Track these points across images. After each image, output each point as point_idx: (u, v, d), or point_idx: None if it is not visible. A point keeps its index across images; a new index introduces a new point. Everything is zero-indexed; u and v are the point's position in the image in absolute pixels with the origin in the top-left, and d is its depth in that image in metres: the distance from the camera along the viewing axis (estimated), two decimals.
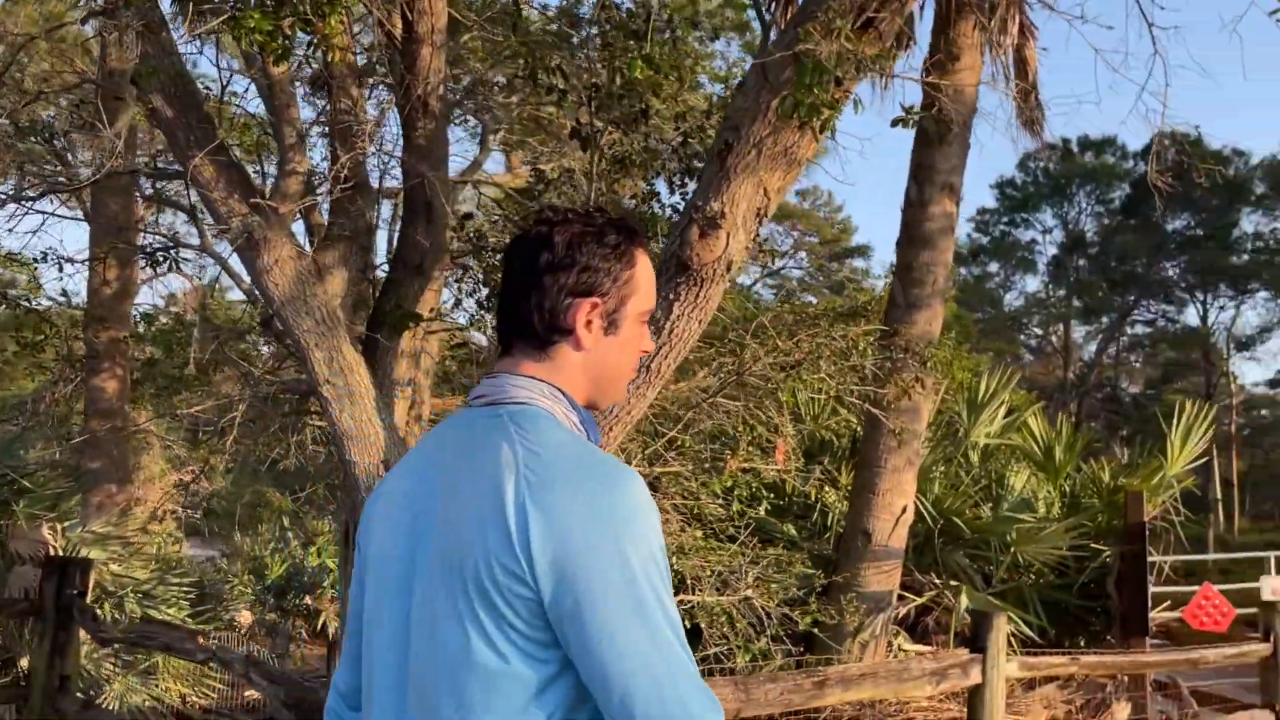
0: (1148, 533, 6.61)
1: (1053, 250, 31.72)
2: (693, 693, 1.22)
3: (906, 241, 6.63)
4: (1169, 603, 10.22)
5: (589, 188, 4.50)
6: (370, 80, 5.72)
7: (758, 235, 3.89)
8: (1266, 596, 12.28)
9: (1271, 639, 6.56)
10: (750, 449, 5.03)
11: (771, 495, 7.26)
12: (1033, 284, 32.84)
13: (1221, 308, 35.17)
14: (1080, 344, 37.84)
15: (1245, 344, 38.13)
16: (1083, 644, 6.95)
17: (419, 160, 4.66)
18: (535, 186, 6.31)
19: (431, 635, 1.28)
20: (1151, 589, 12.24)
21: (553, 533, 1.21)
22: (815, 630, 5.38)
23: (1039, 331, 32.05)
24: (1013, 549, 6.32)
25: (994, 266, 32.76)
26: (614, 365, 1.46)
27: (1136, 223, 30.73)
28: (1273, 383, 47.60)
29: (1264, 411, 48.78)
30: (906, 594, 6.65)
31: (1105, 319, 32.43)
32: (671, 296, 3.76)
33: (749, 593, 4.75)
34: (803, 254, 39.76)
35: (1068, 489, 7.36)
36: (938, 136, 6.47)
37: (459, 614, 1.25)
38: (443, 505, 1.32)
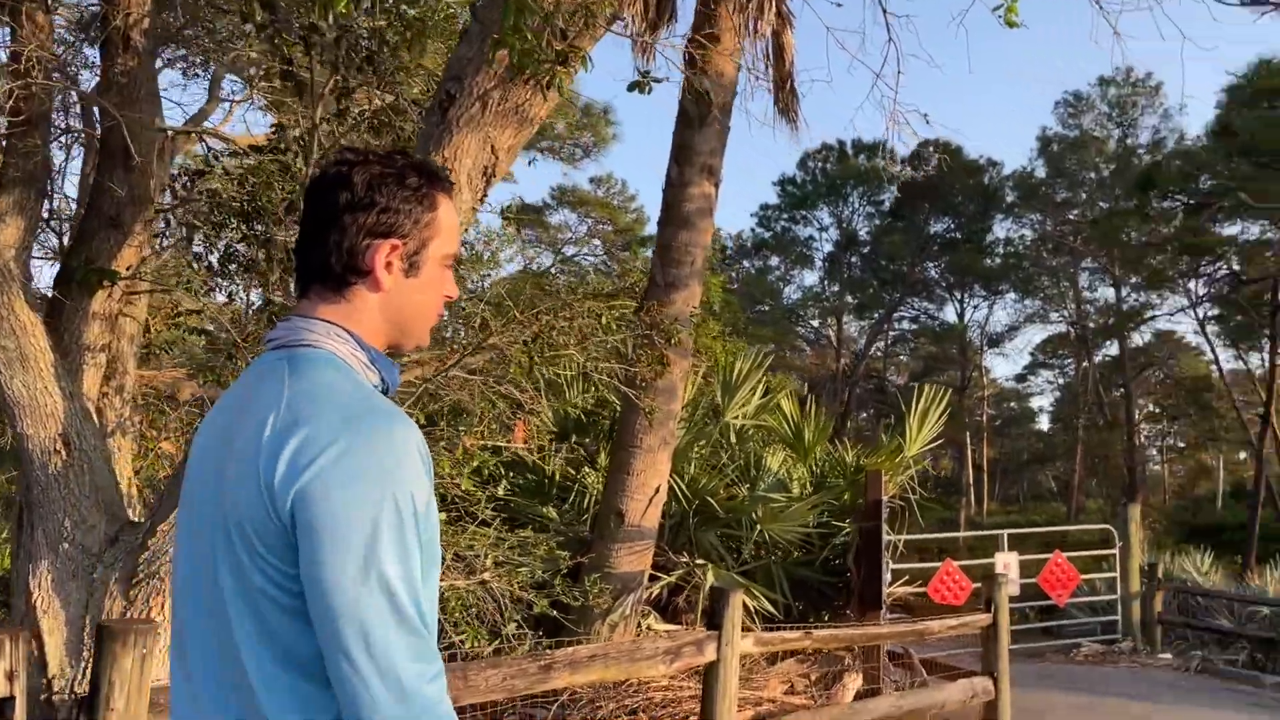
0: (885, 511, 6.88)
1: (829, 247, 33.56)
2: (403, 649, 1.20)
3: (666, 221, 6.61)
4: (906, 577, 10.85)
5: (312, 142, 4.14)
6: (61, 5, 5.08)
7: (485, 197, 3.68)
8: (999, 570, 13.34)
9: (992, 610, 7.01)
10: (491, 426, 4.83)
11: (531, 476, 7.09)
12: (810, 278, 34.71)
13: (975, 307, 38.21)
14: (856, 337, 40.09)
15: (996, 341, 41.52)
16: (826, 618, 7.17)
17: (118, 101, 4.15)
18: (277, 144, 5.84)
19: (214, 581, 1.28)
20: (892, 566, 12.94)
21: (298, 472, 1.21)
22: (555, 613, 5.23)
23: (815, 324, 33.79)
24: (759, 527, 6.42)
25: (775, 260, 34.26)
26: (415, 307, 1.45)
27: (903, 224, 32.86)
28: (1020, 378, 52.18)
29: (1013, 404, 53.40)
30: (661, 574, 6.65)
31: (875, 314, 34.56)
32: None
33: (486, 576, 4.54)
34: (597, 241, 40.03)
35: (817, 469, 7.61)
36: (698, 118, 6.48)
37: (229, 559, 1.26)
38: (218, 452, 1.33)
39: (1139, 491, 30.46)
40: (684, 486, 6.65)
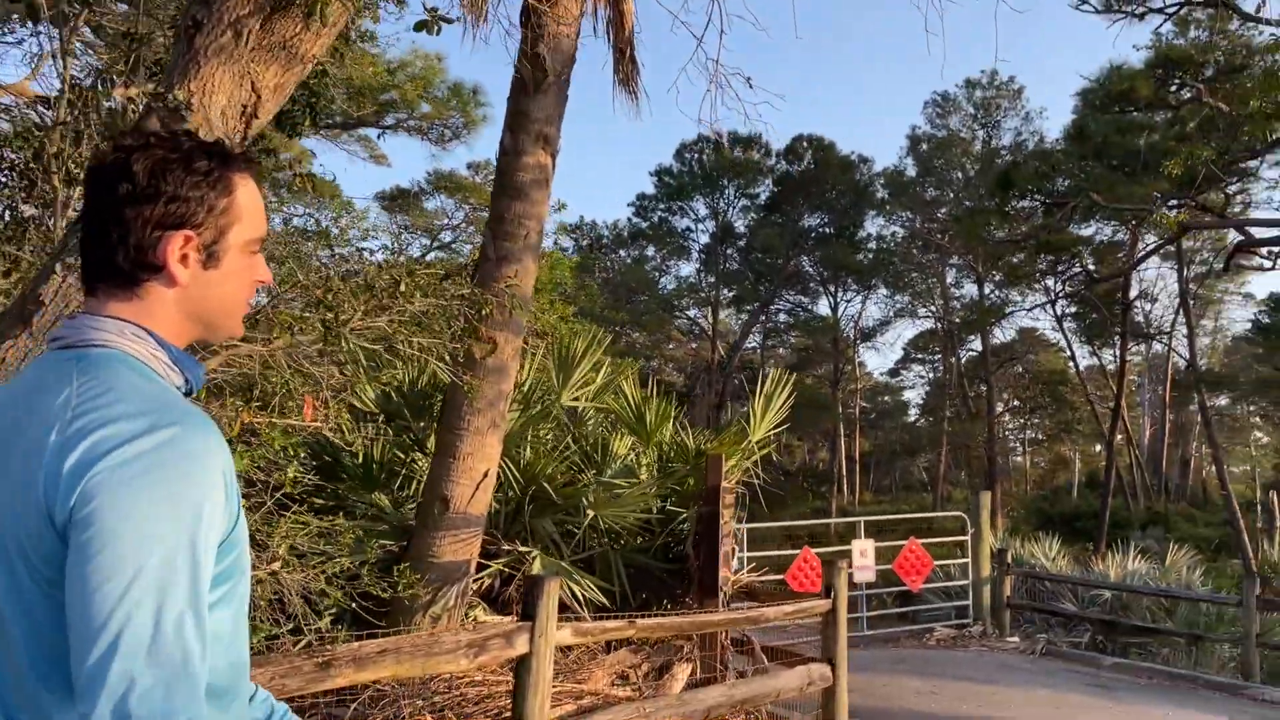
0: (732, 496, 6.72)
1: (705, 239, 33.61)
2: (153, 689, 1.07)
3: (499, 192, 6.28)
4: (764, 566, 10.82)
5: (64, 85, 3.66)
6: None
7: (248, 139, 3.28)
8: (856, 560, 13.48)
9: (832, 596, 6.93)
10: (288, 403, 4.43)
11: (353, 461, 6.68)
12: (687, 269, 34.77)
13: (849, 301, 39.04)
14: (736, 329, 40.42)
15: (868, 335, 42.53)
16: (668, 606, 6.97)
17: None
18: (65, 95, 5.28)
19: None
20: (745, 553, 12.90)
21: (82, 474, 1.10)
22: (353, 606, 4.87)
23: (691, 315, 33.88)
24: (593, 514, 6.17)
25: (651, 251, 34.15)
26: (220, 300, 1.35)
27: (779, 218, 33.25)
28: (893, 372, 53.67)
29: (886, 398, 54.87)
30: (491, 563, 6.32)
31: (751, 307, 34.89)
32: None
33: (275, 566, 4.15)
34: (471, 228, 39.25)
35: (661, 455, 7.41)
36: (533, 83, 6.16)
37: (7, 583, 1.16)
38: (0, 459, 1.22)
39: (998, 481, 31.61)
40: (515, 471, 6.34)
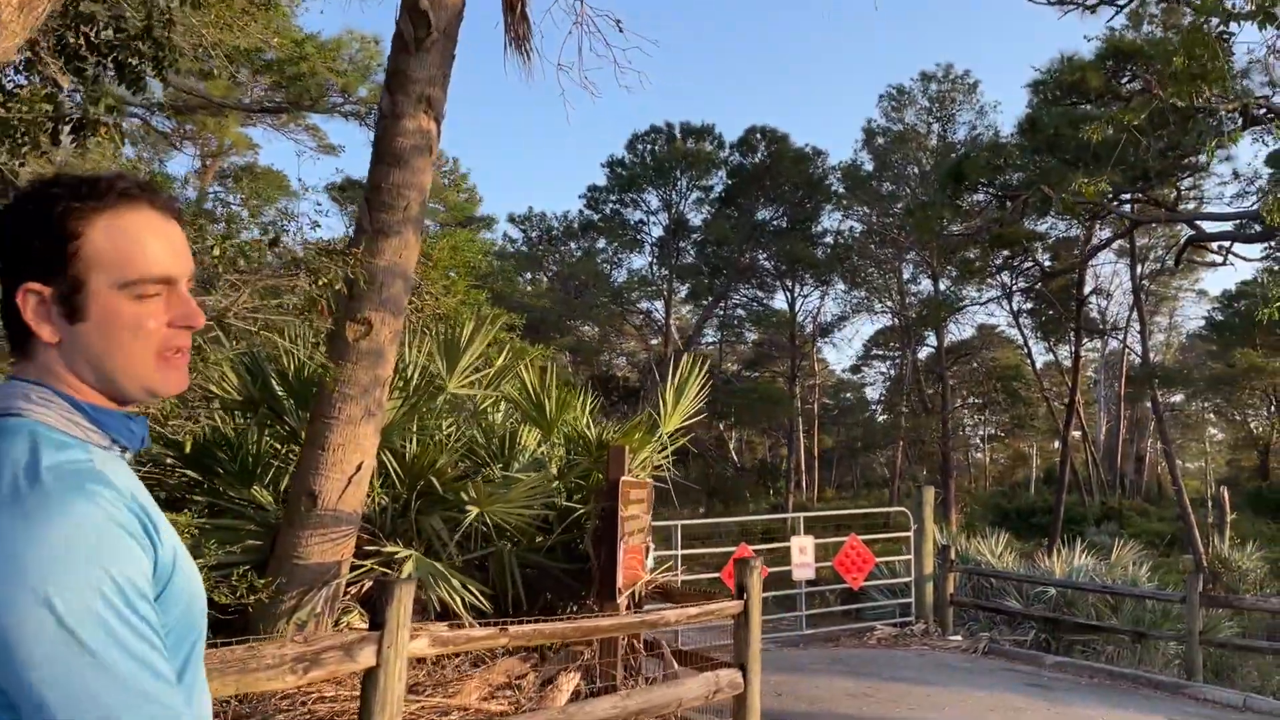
0: (631, 491, 6.27)
1: (659, 231, 33.10)
2: None
3: (377, 159, 5.77)
4: (692, 563, 10.39)
5: None
6: None
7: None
8: (795, 557, 13.10)
9: (744, 597, 6.51)
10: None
11: (225, 454, 6.15)
12: (640, 262, 34.15)
13: (806, 296, 38.71)
14: (693, 324, 39.98)
15: (826, 330, 42.30)
16: (571, 609, 6.51)
17: None
18: None
19: None
20: (656, 551, 12.45)
21: None
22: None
23: (644, 308, 33.32)
24: (476, 511, 5.68)
25: (603, 243, 33.52)
26: (109, 353, 1.21)
27: (734, 211, 32.84)
28: (854, 368, 53.60)
29: (848, 395, 54.79)
30: (365, 563, 5.82)
31: (705, 300, 34.42)
32: None
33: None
34: (428, 223, 38.56)
35: (568, 448, 6.94)
36: (414, 41, 5.66)
37: None
38: None
39: (952, 476, 31.50)
40: (395, 464, 5.84)
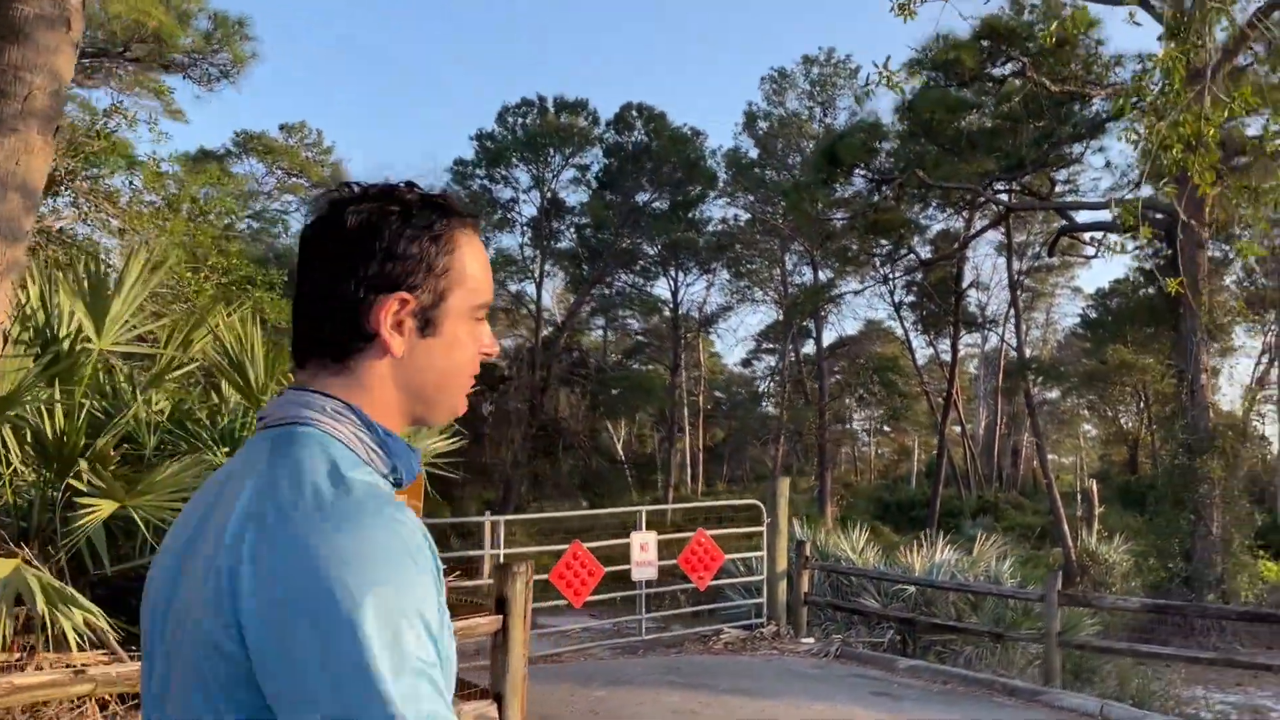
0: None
1: (531, 211, 31.58)
2: None
3: None
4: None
5: None
6: None
7: None
8: (635, 555, 11.95)
9: (504, 611, 5.28)
10: None
11: None
12: (511, 242, 32.34)
13: (690, 284, 37.81)
14: (573, 309, 38.57)
15: (710, 320, 41.52)
16: None
17: None
18: None
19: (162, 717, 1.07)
20: (500, 550, 11.14)
21: (261, 588, 0.95)
22: None
23: (513, 291, 31.74)
24: (118, 505, 4.29)
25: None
26: (440, 373, 1.18)
27: (614, 194, 31.61)
28: (745, 362, 53.11)
29: (740, 389, 54.26)
30: None
31: (580, 285, 33.03)
32: None
33: None
34: (289, 197, 36.34)
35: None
36: None
37: (182, 690, 1.03)
38: (186, 552, 1.08)
39: (828, 469, 31.04)
40: (31, 448, 4.41)
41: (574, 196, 32.04)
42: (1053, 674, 10.57)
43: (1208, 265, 19.81)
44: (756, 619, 12.72)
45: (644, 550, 11.62)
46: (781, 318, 38.98)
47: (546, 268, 33.13)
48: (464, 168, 30.35)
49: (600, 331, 41.25)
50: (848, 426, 57.95)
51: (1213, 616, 15.76)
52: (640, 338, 39.31)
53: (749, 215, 36.54)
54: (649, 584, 11.88)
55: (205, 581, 1.00)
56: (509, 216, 30.98)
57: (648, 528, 11.88)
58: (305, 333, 1.15)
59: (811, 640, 12.12)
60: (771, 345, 47.14)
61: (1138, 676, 11.38)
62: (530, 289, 31.20)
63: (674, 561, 11.98)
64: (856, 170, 21.30)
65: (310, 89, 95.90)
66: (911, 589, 13.19)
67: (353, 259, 1.12)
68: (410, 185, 1.19)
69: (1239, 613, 12.09)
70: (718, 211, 35.28)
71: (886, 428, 71.55)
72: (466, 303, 1.18)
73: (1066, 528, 26.82)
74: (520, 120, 30.00)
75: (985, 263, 45.39)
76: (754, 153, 33.84)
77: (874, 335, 46.32)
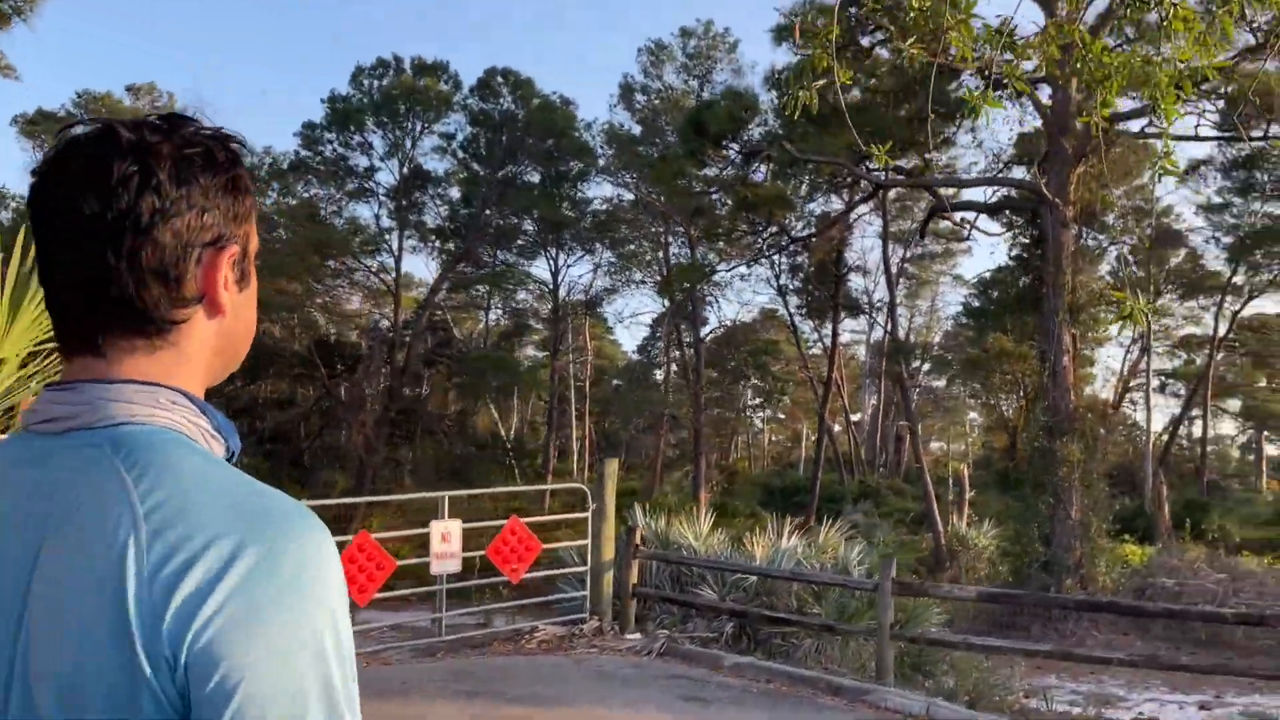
0: None
1: (392, 179, 29.61)
2: None
3: None
4: None
5: None
6: None
7: None
8: (435, 545, 10.73)
9: None
10: None
11: None
12: (366, 213, 30.16)
13: (571, 265, 36.56)
14: (436, 285, 36.50)
15: (595, 303, 40.38)
16: None
17: None
18: None
19: None
20: None
21: (196, 610, 0.84)
22: None
23: (370, 264, 29.79)
24: None
25: (323, 190, 29.53)
26: (248, 325, 1.11)
27: (485, 169, 30.02)
28: (641, 348, 52.09)
29: (643, 377, 53.26)
30: None
31: (445, 260, 31.27)
32: None
33: None
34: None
35: None
36: None
37: None
38: (16, 591, 0.89)
39: (702, 454, 30.31)
40: None
41: (442, 167, 30.36)
42: (885, 671, 9.78)
43: (1073, 245, 19.51)
44: (582, 614, 11.65)
45: (445, 540, 10.41)
46: (665, 302, 38.07)
47: (413, 243, 31.41)
48: (313, 131, 28.38)
49: (479, 312, 39.65)
50: (743, 414, 57.57)
51: (1050, 606, 15.31)
52: (515, 320, 37.88)
53: (633, 196, 35.47)
54: (453, 576, 10.67)
55: (92, 630, 0.84)
56: (366, 186, 29.12)
57: (473, 518, 10.67)
58: (99, 308, 0.96)
59: (638, 636, 11.12)
60: (661, 331, 46.31)
61: (977, 670, 10.68)
62: (388, 263, 29.37)
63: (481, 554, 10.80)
64: (726, 143, 20.40)
65: (169, 46, 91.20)
66: (753, 579, 12.31)
67: (171, 214, 0.96)
68: (182, 116, 1.04)
69: (1077, 602, 11.53)
70: (604, 191, 34.15)
71: (782, 415, 71.75)
72: (256, 244, 1.11)
73: (938, 513, 26.57)
74: (376, 82, 28.19)
75: (875, 252, 45.42)
76: (635, 129, 32.73)
77: (769, 323, 45.93)
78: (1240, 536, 31.98)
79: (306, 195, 28.46)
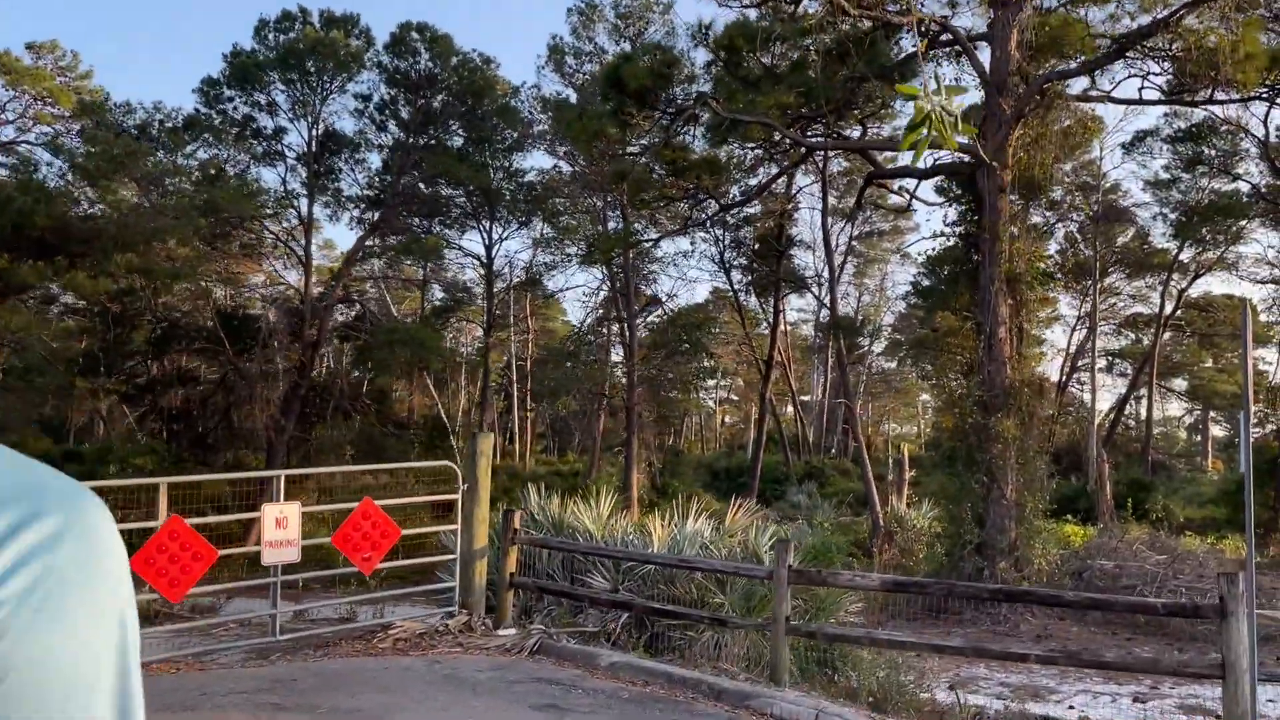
0: None
1: (300, 141, 27.73)
2: None
3: None
4: None
5: None
6: None
7: None
8: (269, 532, 9.36)
9: None
10: None
11: None
12: (273, 178, 28.41)
13: (505, 238, 35.12)
14: (350, 256, 34.39)
15: (535, 281, 38.93)
16: None
17: None
18: None
19: None
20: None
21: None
22: None
23: (277, 230, 27.92)
24: None
25: (224, 152, 27.50)
26: None
27: (401, 130, 28.37)
28: (591, 327, 50.61)
29: (593, 356, 51.79)
30: None
31: (362, 228, 29.68)
32: None
33: None
34: (45, 128, 31.68)
35: None
36: None
37: None
38: None
39: (634, 434, 29.12)
40: None
41: (354, 127, 28.55)
42: (780, 668, 8.63)
43: (1010, 210, 18.49)
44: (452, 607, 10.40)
45: (281, 526, 9.12)
46: (605, 281, 36.69)
47: (331, 212, 29.70)
48: (214, 89, 26.48)
49: (417, 290, 38.05)
50: (692, 395, 56.36)
51: (960, 596, 14.30)
52: (452, 295, 36.35)
53: (571, 168, 33.98)
54: (287, 566, 9.37)
55: None
56: (275, 149, 27.33)
57: (285, 498, 9.34)
58: None
59: (512, 632, 9.90)
60: (599, 309, 44.90)
61: (889, 666, 9.57)
62: (297, 231, 27.50)
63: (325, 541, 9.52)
64: (650, 101, 19.14)
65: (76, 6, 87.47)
66: (651, 568, 11.12)
67: None
68: None
69: (991, 591, 10.46)
70: (544, 162, 32.67)
71: (735, 396, 70.71)
72: None
73: (876, 494, 25.61)
74: (282, 36, 26.38)
75: (817, 224, 44.31)
76: (569, 94, 31.25)
77: (722, 302, 44.76)
78: (1184, 516, 31.50)
79: (206, 157, 26.71)
